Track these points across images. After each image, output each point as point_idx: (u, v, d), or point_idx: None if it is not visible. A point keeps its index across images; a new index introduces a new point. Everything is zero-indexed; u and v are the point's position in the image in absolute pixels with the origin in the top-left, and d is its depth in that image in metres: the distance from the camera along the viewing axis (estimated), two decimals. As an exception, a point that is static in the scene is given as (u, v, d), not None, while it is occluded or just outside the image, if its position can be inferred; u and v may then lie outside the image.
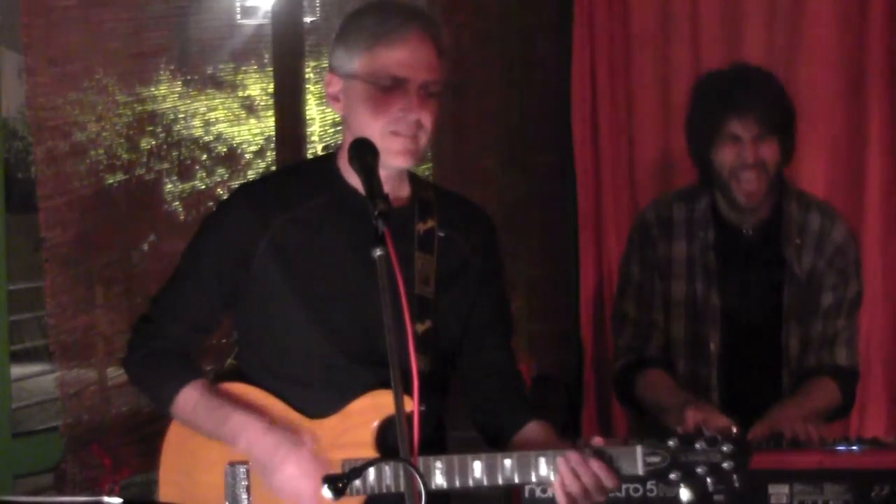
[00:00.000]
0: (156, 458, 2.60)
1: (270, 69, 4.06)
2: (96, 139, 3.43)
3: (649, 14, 4.23)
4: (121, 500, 1.90)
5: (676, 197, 3.34)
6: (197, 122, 3.84)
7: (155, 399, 2.59)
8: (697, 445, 2.33)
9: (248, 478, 2.41)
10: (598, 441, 2.38)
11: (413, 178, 2.60)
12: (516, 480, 2.37)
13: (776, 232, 3.24)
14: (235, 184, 3.84)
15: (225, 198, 2.96)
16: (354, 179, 2.39)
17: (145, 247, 3.60)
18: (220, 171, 3.90)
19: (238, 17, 4.26)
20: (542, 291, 4.56)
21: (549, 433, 2.56)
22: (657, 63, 4.22)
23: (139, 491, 3.54)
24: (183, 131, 3.77)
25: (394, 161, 2.43)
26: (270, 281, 2.49)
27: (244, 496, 2.42)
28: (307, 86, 4.14)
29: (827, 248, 3.24)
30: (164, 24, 3.60)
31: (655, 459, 2.34)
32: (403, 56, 2.40)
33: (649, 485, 2.69)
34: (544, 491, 2.61)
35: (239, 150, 3.98)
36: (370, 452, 2.42)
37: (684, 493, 2.32)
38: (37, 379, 5.02)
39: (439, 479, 2.37)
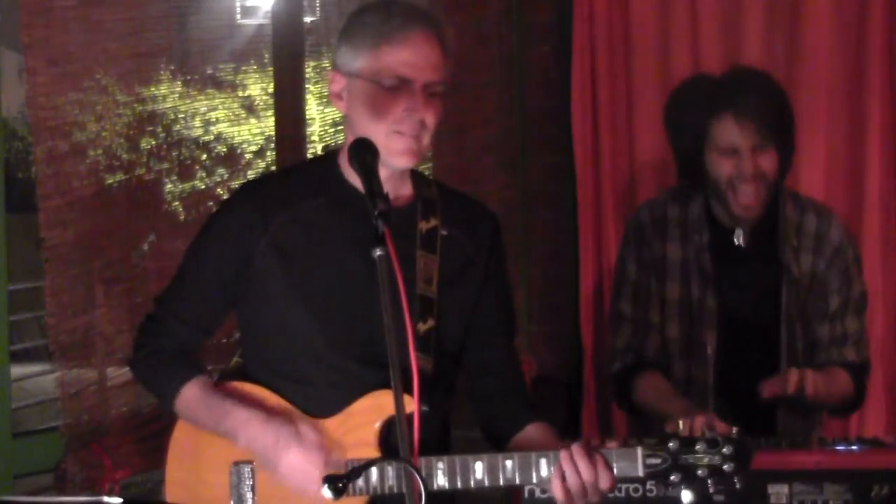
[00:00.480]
0: (156, 457, 2.61)
1: (270, 69, 4.05)
2: (96, 139, 3.43)
3: (649, 14, 4.23)
4: (121, 500, 1.90)
5: (670, 197, 3.32)
6: (197, 122, 3.84)
7: (159, 396, 2.60)
8: (698, 447, 2.32)
9: (252, 477, 2.41)
10: (610, 445, 2.37)
11: (415, 176, 2.60)
12: (517, 481, 2.37)
13: (772, 233, 3.23)
14: (235, 184, 3.84)
15: (226, 198, 2.96)
16: (355, 179, 2.39)
17: (145, 247, 3.59)
18: (220, 171, 3.90)
19: (238, 17, 4.27)
20: (542, 291, 4.56)
21: (549, 435, 2.56)
22: (657, 63, 4.22)
23: (139, 491, 3.54)
24: (183, 131, 3.77)
25: (396, 161, 2.43)
26: (271, 280, 2.50)
27: (249, 495, 2.42)
28: (307, 86, 4.13)
29: (825, 250, 3.24)
30: (164, 24, 3.60)
31: (656, 461, 2.34)
32: (408, 56, 2.40)
33: (649, 485, 2.69)
34: (544, 491, 2.61)
35: (239, 150, 3.98)
36: (373, 452, 2.42)
37: (685, 495, 2.32)
38: (37, 379, 5.02)
39: (441, 480, 2.37)
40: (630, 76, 4.25)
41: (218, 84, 3.93)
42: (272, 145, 4.05)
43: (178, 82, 3.80)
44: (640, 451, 2.34)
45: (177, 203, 3.72)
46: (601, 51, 4.25)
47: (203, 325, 2.60)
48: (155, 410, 3.33)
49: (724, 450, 2.32)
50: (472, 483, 2.37)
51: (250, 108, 4.07)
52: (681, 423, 2.36)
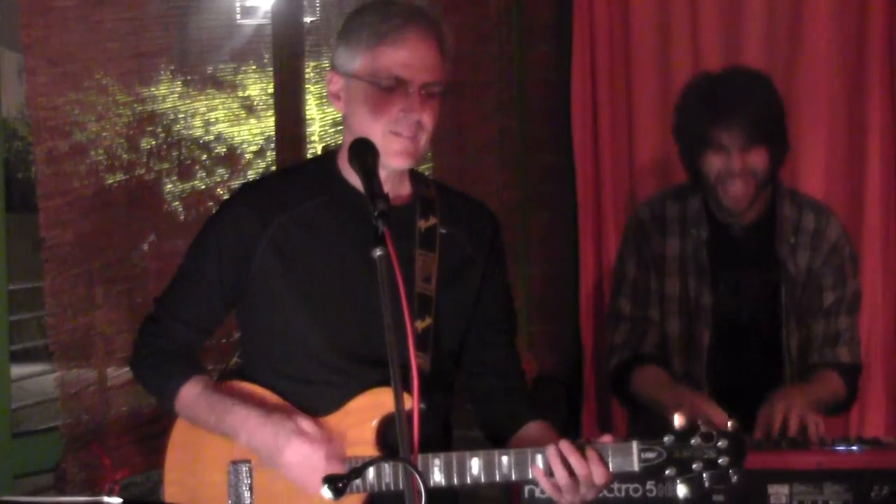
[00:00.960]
0: (155, 457, 2.61)
1: (270, 69, 4.05)
2: (96, 139, 3.42)
3: (649, 14, 4.23)
4: (121, 500, 1.90)
5: (669, 195, 3.36)
6: (197, 122, 3.84)
7: (159, 396, 2.62)
8: (693, 441, 2.33)
9: (250, 476, 2.41)
10: (604, 439, 2.38)
11: (414, 175, 2.60)
12: (514, 478, 2.37)
13: (769, 231, 3.25)
14: (235, 184, 3.84)
15: (226, 198, 2.96)
16: (355, 179, 2.39)
17: (145, 247, 3.59)
18: (220, 171, 3.89)
19: (238, 17, 4.26)
20: (542, 291, 4.56)
21: (549, 433, 2.56)
22: (657, 63, 4.23)
23: (139, 491, 3.54)
24: (183, 131, 3.76)
25: (393, 161, 2.43)
26: (271, 280, 2.50)
27: (247, 494, 2.42)
28: (307, 86, 4.13)
29: (823, 247, 3.25)
30: (164, 24, 3.59)
31: (651, 455, 2.34)
32: (405, 56, 2.40)
33: (649, 485, 2.69)
34: (544, 491, 2.61)
35: (239, 150, 3.98)
36: (371, 450, 2.42)
37: (681, 489, 2.33)
38: (37, 379, 5.02)
39: (437, 477, 2.37)
40: (630, 76, 4.26)
41: (218, 84, 3.92)
42: (272, 145, 4.05)
43: (178, 82, 3.79)
44: (635, 445, 2.35)
45: (177, 203, 3.72)
46: (601, 51, 4.26)
47: (203, 325, 2.61)
48: (155, 410, 3.32)
49: (720, 443, 2.32)
50: (468, 479, 2.37)
51: (250, 108, 4.07)
52: (676, 417, 2.36)
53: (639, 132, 4.25)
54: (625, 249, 3.37)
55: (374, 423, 2.43)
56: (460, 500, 2.61)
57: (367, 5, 2.50)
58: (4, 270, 3.26)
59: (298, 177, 2.63)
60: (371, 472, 2.39)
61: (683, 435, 2.33)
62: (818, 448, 2.81)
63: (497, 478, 2.37)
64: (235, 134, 4.00)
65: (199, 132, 3.86)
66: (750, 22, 4.14)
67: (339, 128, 4.13)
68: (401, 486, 2.34)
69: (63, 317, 3.31)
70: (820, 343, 3.24)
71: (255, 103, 4.08)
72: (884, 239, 4.04)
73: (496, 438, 2.61)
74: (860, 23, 4.03)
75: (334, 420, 2.46)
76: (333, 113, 4.16)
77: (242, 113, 4.05)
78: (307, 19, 4.17)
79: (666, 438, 2.33)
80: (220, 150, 3.93)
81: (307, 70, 4.13)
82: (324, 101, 4.17)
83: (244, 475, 2.42)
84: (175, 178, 3.70)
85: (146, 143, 3.61)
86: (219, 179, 3.88)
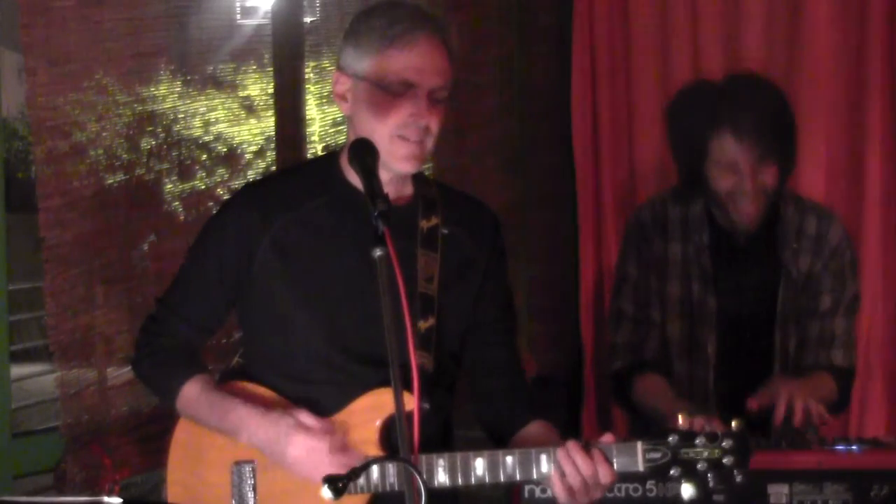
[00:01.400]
0: (156, 458, 2.61)
1: (270, 69, 4.05)
2: (96, 139, 3.42)
3: (649, 15, 4.23)
4: (121, 500, 1.90)
5: (670, 197, 3.32)
6: (197, 122, 3.84)
7: (160, 395, 2.62)
8: (698, 441, 2.33)
9: (253, 476, 2.41)
10: (606, 438, 2.38)
11: (416, 176, 2.60)
12: (518, 477, 2.38)
13: (772, 234, 3.23)
14: (235, 184, 3.84)
15: (227, 198, 2.97)
16: (356, 179, 2.39)
17: (145, 247, 3.59)
18: (220, 171, 3.89)
19: (238, 17, 4.25)
20: (542, 291, 4.56)
21: (550, 433, 2.57)
22: (657, 63, 4.23)
23: (139, 491, 3.54)
24: (183, 131, 3.76)
25: (400, 166, 2.44)
26: (272, 280, 2.50)
27: (250, 495, 2.42)
28: (307, 86, 4.13)
29: (824, 250, 3.24)
30: (164, 24, 3.59)
31: (656, 455, 2.34)
32: (414, 61, 2.40)
33: (649, 484, 2.69)
34: (544, 491, 2.61)
35: (239, 150, 3.98)
36: (375, 451, 2.42)
37: (686, 490, 2.32)
38: (37, 379, 5.03)
39: (442, 477, 2.37)
40: (630, 76, 4.26)
41: (218, 84, 3.92)
42: (272, 145, 4.05)
43: (178, 82, 3.79)
44: (640, 445, 2.35)
45: (177, 203, 3.72)
46: (601, 51, 4.26)
47: (205, 324, 2.62)
48: (155, 411, 3.33)
49: (724, 443, 2.32)
50: (472, 479, 2.37)
51: (250, 108, 4.07)
52: (681, 417, 2.36)
53: (639, 132, 4.25)
54: (626, 249, 3.36)
55: (378, 423, 2.43)
56: (460, 499, 2.61)
57: (374, 7, 2.49)
58: (4, 270, 3.26)
59: (300, 177, 2.63)
60: (375, 473, 2.39)
61: (688, 435, 2.33)
62: (818, 448, 2.81)
63: (501, 478, 2.37)
64: (235, 134, 4.00)
65: (199, 132, 3.86)
66: (750, 22, 4.14)
67: (339, 128, 4.13)
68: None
69: (63, 317, 3.31)
70: (814, 345, 3.23)
71: (255, 103, 4.08)
72: (884, 239, 4.04)
73: (498, 438, 2.61)
74: (860, 23, 4.03)
75: (338, 421, 2.46)
76: (333, 113, 4.16)
77: (242, 113, 4.05)
78: (307, 19, 4.17)
79: (671, 438, 2.33)
80: (220, 150, 3.93)
81: (307, 70, 4.13)
82: (324, 101, 4.17)
83: (247, 475, 2.42)
84: (175, 178, 3.70)
85: (146, 143, 3.61)
86: (219, 179, 3.88)
